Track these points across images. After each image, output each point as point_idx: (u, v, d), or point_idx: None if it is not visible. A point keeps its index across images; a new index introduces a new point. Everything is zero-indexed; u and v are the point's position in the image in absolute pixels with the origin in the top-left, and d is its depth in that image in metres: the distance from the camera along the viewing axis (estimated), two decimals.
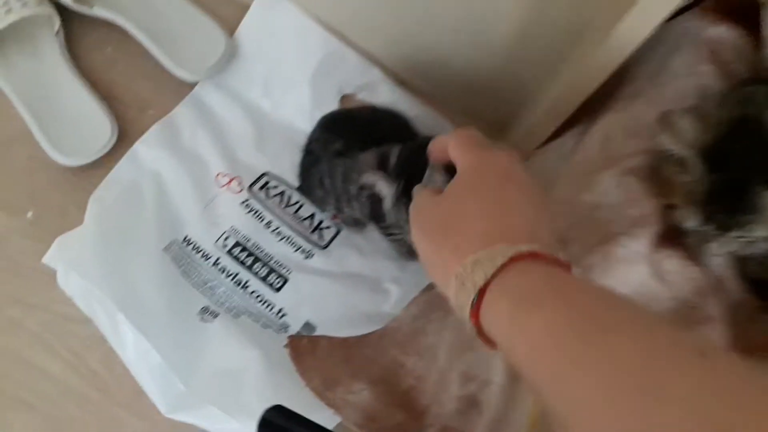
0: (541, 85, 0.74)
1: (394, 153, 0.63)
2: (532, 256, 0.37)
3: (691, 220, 0.47)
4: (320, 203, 0.83)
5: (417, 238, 0.46)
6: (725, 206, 0.45)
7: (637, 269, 0.47)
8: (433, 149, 0.51)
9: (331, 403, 0.63)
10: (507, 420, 0.50)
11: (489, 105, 0.86)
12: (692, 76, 0.55)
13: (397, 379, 0.67)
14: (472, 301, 0.38)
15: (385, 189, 0.63)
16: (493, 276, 0.37)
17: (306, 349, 0.73)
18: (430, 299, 0.76)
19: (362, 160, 0.66)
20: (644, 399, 0.27)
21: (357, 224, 0.83)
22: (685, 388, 0.27)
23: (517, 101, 0.81)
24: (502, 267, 0.37)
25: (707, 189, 0.46)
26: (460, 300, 0.39)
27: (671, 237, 0.49)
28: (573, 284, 0.36)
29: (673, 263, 0.48)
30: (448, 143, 0.47)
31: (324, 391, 0.66)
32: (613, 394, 0.29)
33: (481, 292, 0.37)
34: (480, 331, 0.39)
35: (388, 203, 0.64)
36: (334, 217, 0.85)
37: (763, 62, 0.54)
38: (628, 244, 0.47)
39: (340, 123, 0.80)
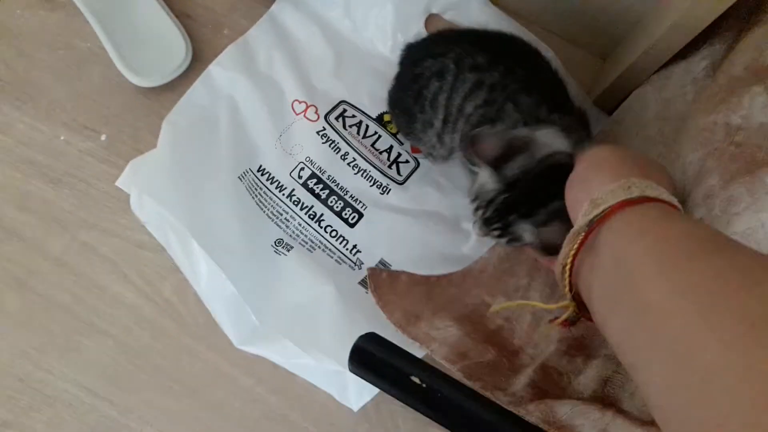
0: (643, 16, 0.65)
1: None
2: (658, 200, 0.40)
3: None
4: (410, 130, 0.76)
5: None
6: None
7: None
8: None
9: (415, 337, 0.59)
10: (623, 385, 0.44)
11: (587, 31, 0.78)
12: None
13: (484, 319, 0.62)
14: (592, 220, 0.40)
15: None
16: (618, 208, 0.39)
17: (385, 282, 0.69)
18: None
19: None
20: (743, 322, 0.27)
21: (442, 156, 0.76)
22: None
23: (624, 23, 0.72)
24: (627, 203, 0.39)
25: None
26: (583, 217, 0.41)
27: None
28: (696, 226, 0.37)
29: None
30: None
31: (406, 326, 0.62)
32: (712, 318, 0.29)
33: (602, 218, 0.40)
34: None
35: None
36: (415, 150, 0.80)
37: None
38: None
39: (482, 39, 0.71)
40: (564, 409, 0.42)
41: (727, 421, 0.26)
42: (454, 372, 0.51)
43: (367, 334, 0.43)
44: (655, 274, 0.33)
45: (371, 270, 0.70)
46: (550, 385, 0.47)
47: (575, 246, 0.40)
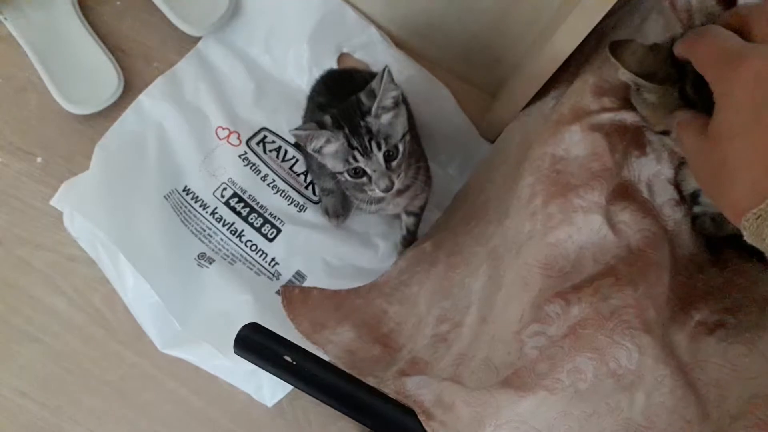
0: (528, 52, 0.76)
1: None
2: None
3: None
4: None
5: (698, 180, 0.44)
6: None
7: (593, 218, 0.50)
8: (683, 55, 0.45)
9: (316, 343, 0.67)
10: (469, 355, 0.53)
11: (482, 70, 0.88)
12: (665, 38, 0.57)
13: (380, 324, 0.71)
14: None
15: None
16: None
17: (298, 297, 0.77)
18: (417, 254, 0.80)
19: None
20: None
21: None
22: None
23: (506, 67, 0.83)
24: None
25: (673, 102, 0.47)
26: (757, 244, 0.38)
27: (627, 191, 0.52)
28: None
29: (626, 215, 0.51)
30: (694, 54, 0.42)
31: (311, 333, 0.71)
32: None
33: None
34: None
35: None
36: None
37: None
38: (585, 195, 0.50)
39: (330, 80, 0.82)
40: (412, 382, 0.51)
41: None
42: (340, 365, 0.59)
43: (249, 324, 0.52)
44: None
45: (284, 287, 0.78)
46: (414, 371, 0.56)
47: None
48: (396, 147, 0.67)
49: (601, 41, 0.63)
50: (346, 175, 0.68)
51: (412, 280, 0.77)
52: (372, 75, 0.83)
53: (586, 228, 0.50)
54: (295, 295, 0.78)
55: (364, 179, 0.68)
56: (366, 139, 0.65)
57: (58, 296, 0.82)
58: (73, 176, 0.83)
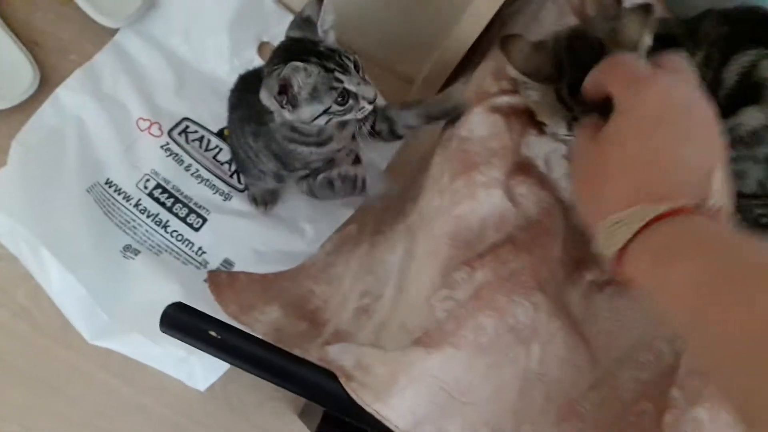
0: (440, 38, 0.81)
1: None
2: (675, 212, 0.38)
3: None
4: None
5: (573, 176, 0.50)
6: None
7: (493, 192, 0.54)
8: (589, 88, 0.47)
9: (244, 323, 0.70)
10: (388, 323, 0.58)
11: (400, 58, 0.92)
12: (558, 26, 0.62)
13: (306, 303, 0.74)
14: (614, 254, 0.40)
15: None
16: (635, 235, 0.39)
17: (225, 282, 0.79)
18: (343, 237, 0.83)
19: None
20: None
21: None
22: None
23: (421, 53, 0.87)
24: (643, 228, 0.39)
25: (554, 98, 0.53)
26: (604, 248, 0.41)
27: (525, 167, 0.57)
28: (711, 234, 0.38)
29: (524, 188, 0.56)
30: (604, 79, 0.45)
31: (239, 315, 0.73)
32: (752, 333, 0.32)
33: (623, 249, 0.39)
34: (620, 275, 0.41)
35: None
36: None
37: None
38: (486, 172, 0.55)
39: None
40: (334, 350, 0.55)
41: None
42: (267, 340, 0.62)
43: (173, 303, 0.54)
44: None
45: (210, 273, 0.79)
46: (336, 341, 0.60)
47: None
48: (353, 56, 0.66)
49: (503, 27, 0.68)
50: (334, 105, 0.64)
51: (338, 260, 0.80)
52: None
53: (487, 202, 0.54)
54: (222, 279, 0.80)
55: (350, 102, 0.65)
56: (336, 57, 0.64)
57: None
58: None
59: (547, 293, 0.51)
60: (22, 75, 0.86)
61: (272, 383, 0.50)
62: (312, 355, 0.53)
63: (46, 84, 0.88)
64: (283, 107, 0.64)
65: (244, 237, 0.88)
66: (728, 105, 0.54)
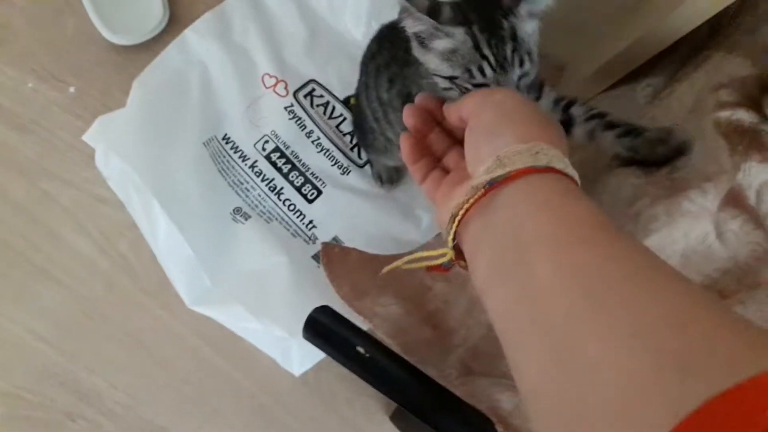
0: (618, 30, 0.70)
1: None
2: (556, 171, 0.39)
3: None
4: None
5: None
6: None
7: (700, 224, 0.45)
8: (450, 119, 0.49)
9: (360, 311, 0.63)
10: None
11: (555, 39, 0.82)
12: None
13: (424, 300, 0.67)
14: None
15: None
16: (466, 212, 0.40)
17: (338, 257, 0.73)
18: None
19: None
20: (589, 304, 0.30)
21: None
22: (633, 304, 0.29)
23: (585, 41, 0.77)
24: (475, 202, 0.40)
25: None
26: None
27: (738, 198, 0.47)
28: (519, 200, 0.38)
29: (737, 223, 0.46)
30: (459, 112, 0.47)
31: (353, 300, 0.66)
32: (596, 310, 0.30)
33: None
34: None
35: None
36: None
37: None
38: (696, 199, 0.45)
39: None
40: (483, 384, 0.47)
41: (594, 422, 0.27)
42: (393, 346, 0.55)
43: (321, 306, 0.47)
44: (550, 251, 0.33)
45: (324, 244, 0.73)
46: (477, 364, 0.52)
47: (471, 200, 0.40)
48: (531, 71, 0.50)
49: (716, 31, 0.57)
50: (456, 83, 0.50)
51: None
52: None
53: (692, 234, 0.45)
54: (335, 253, 0.73)
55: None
56: (508, 48, 0.48)
57: (83, 237, 0.78)
58: (108, 111, 0.78)
59: None
60: (153, 12, 0.81)
61: (413, 415, 0.43)
62: (456, 387, 0.46)
63: (174, 24, 0.83)
64: (417, 41, 0.51)
65: (357, 216, 0.81)
66: None
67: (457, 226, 0.41)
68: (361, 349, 0.43)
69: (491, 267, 0.38)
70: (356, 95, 0.78)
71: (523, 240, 0.35)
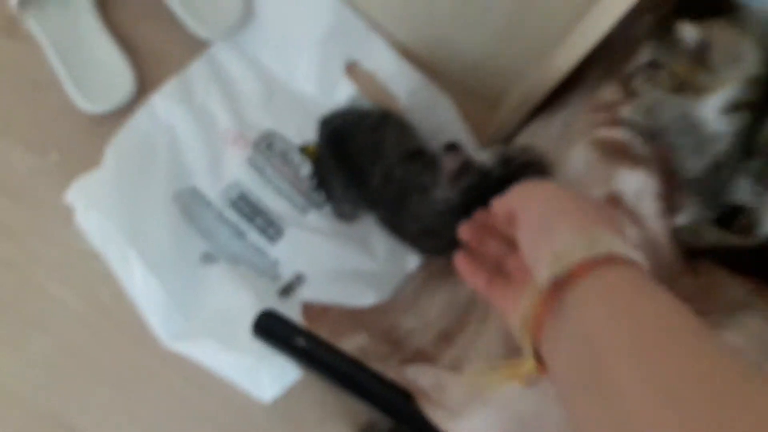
0: (533, 64, 0.79)
1: None
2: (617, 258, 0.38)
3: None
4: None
5: None
6: None
7: None
8: (498, 215, 0.49)
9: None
10: (469, 354, 0.57)
11: (484, 82, 0.91)
12: None
13: (393, 332, 0.75)
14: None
15: None
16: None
17: (318, 313, 0.81)
18: (431, 271, 0.85)
19: None
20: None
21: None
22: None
23: (507, 81, 0.86)
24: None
25: None
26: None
27: (617, 201, 0.55)
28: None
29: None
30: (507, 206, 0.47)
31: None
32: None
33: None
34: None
35: None
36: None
37: None
38: None
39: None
40: (413, 370, 0.56)
41: None
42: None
43: (266, 310, 0.57)
44: (630, 361, 0.32)
45: (305, 306, 0.80)
46: (418, 359, 0.61)
47: (538, 303, 0.39)
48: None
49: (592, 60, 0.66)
50: None
51: (424, 294, 0.81)
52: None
53: None
54: (315, 310, 0.81)
55: None
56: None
57: (67, 289, 0.85)
58: (87, 173, 0.86)
59: None
60: (123, 81, 0.91)
61: (350, 395, 0.51)
62: (390, 372, 0.54)
63: (143, 91, 0.92)
64: None
65: (318, 252, 0.88)
66: None
67: (531, 335, 0.40)
68: (301, 341, 0.52)
69: (570, 374, 0.37)
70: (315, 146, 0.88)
71: (599, 348, 0.34)
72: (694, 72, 0.58)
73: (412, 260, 0.88)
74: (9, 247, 0.86)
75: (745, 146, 0.59)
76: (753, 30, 0.59)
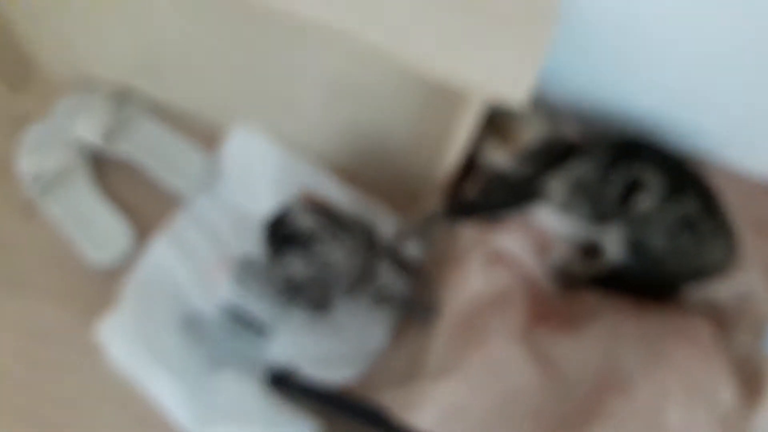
0: (431, 176, 1.10)
1: None
2: None
3: None
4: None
5: None
6: None
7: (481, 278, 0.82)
8: None
9: None
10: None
11: (399, 187, 1.22)
12: None
13: None
14: None
15: None
16: None
17: None
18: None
19: None
20: None
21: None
22: None
23: (417, 185, 1.16)
24: None
25: None
26: None
27: (499, 256, 0.85)
28: None
29: (498, 268, 0.83)
30: None
31: None
32: None
33: None
34: None
35: None
36: None
37: None
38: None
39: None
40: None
41: None
42: None
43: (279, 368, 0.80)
44: None
45: None
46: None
47: None
48: None
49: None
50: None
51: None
52: None
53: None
54: None
55: None
56: None
57: (123, 415, 1.07)
58: (107, 312, 1.08)
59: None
60: (124, 240, 1.17)
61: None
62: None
63: (140, 239, 1.17)
64: None
65: (305, 346, 1.11)
66: None
67: None
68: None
69: None
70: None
71: None
72: None
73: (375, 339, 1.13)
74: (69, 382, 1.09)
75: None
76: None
